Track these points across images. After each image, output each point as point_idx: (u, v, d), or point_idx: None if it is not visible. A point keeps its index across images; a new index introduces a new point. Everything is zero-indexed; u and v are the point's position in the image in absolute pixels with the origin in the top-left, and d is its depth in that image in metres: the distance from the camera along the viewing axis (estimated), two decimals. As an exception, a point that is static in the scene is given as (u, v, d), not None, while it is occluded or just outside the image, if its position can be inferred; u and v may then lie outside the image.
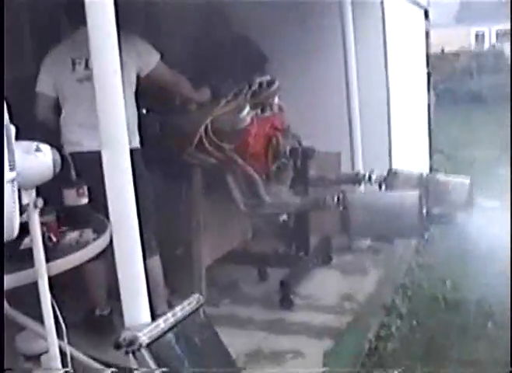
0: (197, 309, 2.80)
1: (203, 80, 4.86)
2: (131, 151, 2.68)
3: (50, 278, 2.62)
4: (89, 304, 4.24)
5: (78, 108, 3.94)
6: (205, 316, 2.85)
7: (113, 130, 2.57)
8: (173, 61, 4.37)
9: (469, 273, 5.11)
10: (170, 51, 4.88)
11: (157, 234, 4.13)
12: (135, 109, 4.05)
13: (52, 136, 3.90)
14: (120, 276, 2.58)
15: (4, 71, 2.39)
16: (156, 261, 4.13)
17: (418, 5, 8.72)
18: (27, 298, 2.81)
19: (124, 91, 2.60)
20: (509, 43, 20.39)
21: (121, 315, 2.64)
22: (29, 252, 2.59)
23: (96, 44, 2.51)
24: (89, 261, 3.01)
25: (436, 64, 14.12)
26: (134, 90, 4.03)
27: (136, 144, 3.99)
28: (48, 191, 2.61)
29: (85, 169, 3.40)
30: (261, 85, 4.57)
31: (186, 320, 2.68)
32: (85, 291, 4.16)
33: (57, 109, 4.12)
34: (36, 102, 4.09)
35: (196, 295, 2.87)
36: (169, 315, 2.62)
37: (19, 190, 2.32)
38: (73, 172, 3.46)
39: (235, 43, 5.67)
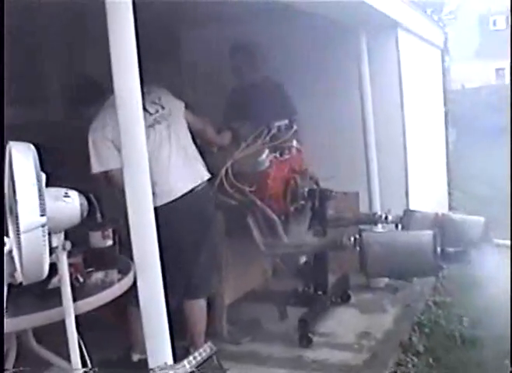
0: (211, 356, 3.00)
1: (227, 123, 5.03)
2: None
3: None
4: (127, 346, 4.26)
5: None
6: (218, 362, 3.03)
7: (137, 170, 2.73)
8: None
9: (486, 311, 5.15)
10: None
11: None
12: None
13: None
14: (144, 317, 2.70)
15: (4, 72, 2.51)
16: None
17: (434, 45, 8.87)
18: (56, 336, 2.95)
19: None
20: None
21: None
22: (57, 291, 2.73)
23: (121, 98, 2.69)
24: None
25: (457, 99, 14.15)
26: None
27: None
28: (74, 232, 2.77)
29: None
30: (279, 128, 4.72)
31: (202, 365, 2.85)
32: (127, 334, 4.18)
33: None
34: (114, 179, 3.77)
35: (209, 344, 3.12)
36: (191, 358, 2.77)
37: (49, 234, 2.46)
38: (98, 215, 3.62)
39: (265, 87, 5.75)
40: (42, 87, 5.63)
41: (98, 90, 4.02)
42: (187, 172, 4.12)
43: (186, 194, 4.04)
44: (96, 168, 3.91)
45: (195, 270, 4.23)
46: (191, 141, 4.27)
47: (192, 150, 4.25)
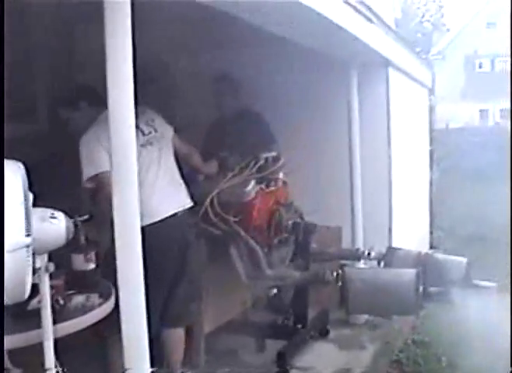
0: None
1: (211, 152, 5.02)
2: None
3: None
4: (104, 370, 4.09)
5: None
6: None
7: (127, 195, 2.73)
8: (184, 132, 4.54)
9: (464, 352, 5.14)
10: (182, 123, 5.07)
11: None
12: None
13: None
14: (124, 340, 2.68)
15: (4, 72, 2.50)
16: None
17: (422, 84, 8.95)
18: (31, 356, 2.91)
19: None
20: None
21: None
22: (36, 313, 2.70)
23: (115, 117, 2.69)
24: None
25: (441, 139, 14.24)
26: None
27: None
28: (57, 254, 2.74)
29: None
30: (266, 160, 4.73)
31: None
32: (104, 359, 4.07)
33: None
34: (107, 183, 3.52)
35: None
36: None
37: (33, 254, 2.43)
38: (82, 238, 3.58)
39: (245, 117, 5.77)
40: (27, 99, 5.58)
41: (92, 98, 4.02)
42: (170, 197, 4.12)
43: (167, 218, 4.02)
44: (88, 172, 3.86)
45: (174, 298, 4.20)
46: (177, 168, 4.28)
47: (178, 176, 4.26)
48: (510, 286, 5.31)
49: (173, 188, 4.18)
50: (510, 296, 4.67)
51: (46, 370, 2.64)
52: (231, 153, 4.91)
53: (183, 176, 4.36)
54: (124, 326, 2.73)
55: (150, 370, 2.74)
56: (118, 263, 2.72)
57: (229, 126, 5.65)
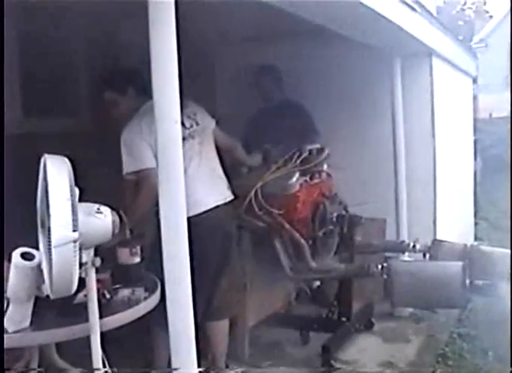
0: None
1: (254, 144, 5.01)
2: None
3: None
4: (147, 364, 4.13)
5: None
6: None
7: (173, 189, 2.75)
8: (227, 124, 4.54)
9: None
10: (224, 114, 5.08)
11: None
12: None
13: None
14: (171, 333, 2.68)
15: (4, 72, 2.50)
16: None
17: (466, 73, 8.82)
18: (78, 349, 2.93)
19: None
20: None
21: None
22: (82, 307, 2.71)
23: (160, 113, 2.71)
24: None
25: (484, 129, 14.06)
26: None
27: None
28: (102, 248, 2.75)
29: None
30: (311, 152, 4.69)
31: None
32: (148, 352, 4.12)
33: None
34: (148, 180, 3.68)
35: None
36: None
37: (80, 249, 2.44)
38: (127, 231, 3.59)
39: (287, 108, 5.76)
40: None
41: (139, 85, 3.96)
42: (211, 190, 4.10)
43: (209, 211, 4.00)
44: (129, 167, 3.82)
45: (217, 290, 4.20)
46: (218, 161, 4.26)
47: (218, 169, 4.23)
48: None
49: (214, 181, 4.15)
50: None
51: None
52: (274, 145, 4.89)
53: (224, 169, 4.34)
54: (170, 319, 2.73)
55: (198, 370, 2.74)
56: (165, 256, 2.72)
57: (271, 117, 5.64)
